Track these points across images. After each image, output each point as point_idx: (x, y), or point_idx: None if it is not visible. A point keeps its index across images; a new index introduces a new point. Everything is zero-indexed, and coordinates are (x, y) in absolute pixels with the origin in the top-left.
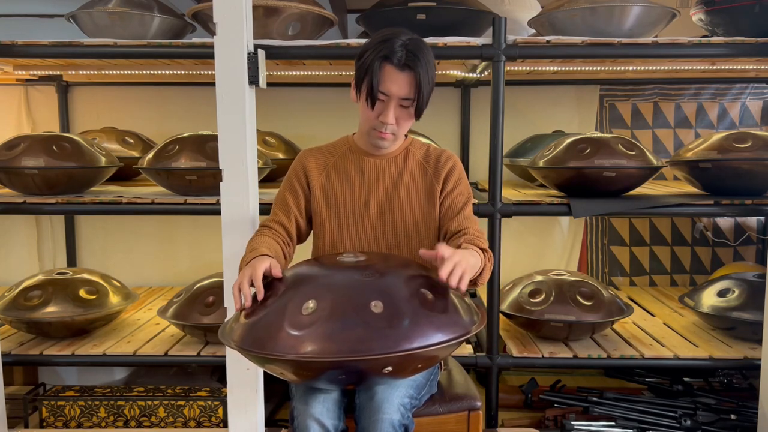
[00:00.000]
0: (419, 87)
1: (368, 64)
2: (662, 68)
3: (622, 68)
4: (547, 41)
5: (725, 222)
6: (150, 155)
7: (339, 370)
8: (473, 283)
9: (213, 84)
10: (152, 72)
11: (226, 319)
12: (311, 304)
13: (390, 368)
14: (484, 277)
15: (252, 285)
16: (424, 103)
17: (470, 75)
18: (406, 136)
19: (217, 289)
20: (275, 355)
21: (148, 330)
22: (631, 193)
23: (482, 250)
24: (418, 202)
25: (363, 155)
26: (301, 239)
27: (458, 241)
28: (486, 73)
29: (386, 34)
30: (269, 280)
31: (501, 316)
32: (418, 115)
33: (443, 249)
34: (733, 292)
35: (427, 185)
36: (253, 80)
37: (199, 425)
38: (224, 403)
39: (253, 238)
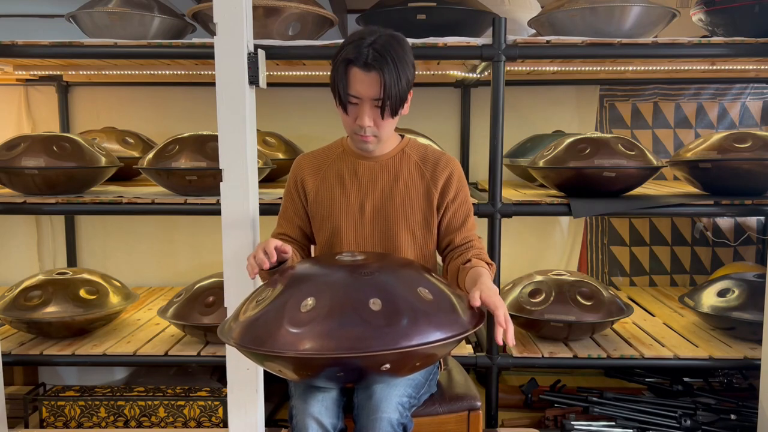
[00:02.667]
0: (385, 85)
1: (336, 68)
2: (662, 68)
3: (622, 68)
4: (547, 41)
5: (725, 222)
6: (150, 155)
7: (338, 367)
8: None
9: (213, 84)
10: (152, 72)
11: (225, 319)
12: (310, 301)
13: (388, 366)
14: None
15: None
16: (397, 101)
17: (470, 75)
18: (402, 136)
19: (217, 289)
20: (274, 352)
21: (148, 330)
22: (631, 193)
23: (489, 264)
24: (415, 205)
25: (357, 158)
26: (312, 241)
27: (466, 256)
28: (486, 73)
29: (356, 35)
30: (280, 267)
31: None
32: (393, 113)
33: (495, 299)
34: (733, 292)
35: (424, 189)
36: (253, 80)
37: (199, 425)
38: (224, 403)
39: None
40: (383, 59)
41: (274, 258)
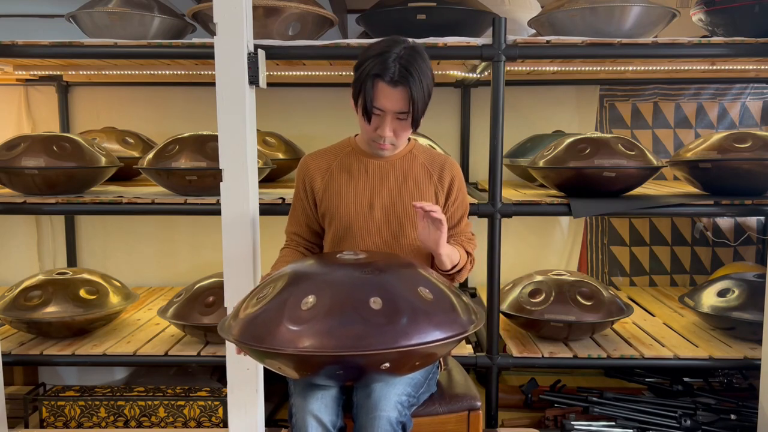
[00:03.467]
0: (413, 101)
1: (362, 80)
2: (662, 68)
3: (622, 68)
4: (547, 41)
5: (725, 222)
6: (150, 155)
7: (337, 365)
8: (451, 277)
9: (213, 84)
10: (152, 72)
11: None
12: (311, 299)
13: (388, 364)
14: (462, 275)
15: None
16: (420, 114)
17: (470, 75)
18: (408, 139)
19: (217, 289)
20: (274, 349)
21: (148, 330)
22: (631, 193)
23: (468, 252)
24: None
25: (367, 157)
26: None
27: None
28: (486, 73)
29: (382, 47)
30: None
31: (501, 316)
32: (415, 126)
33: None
34: (733, 292)
35: (432, 189)
36: (253, 80)
37: (199, 425)
38: (224, 403)
39: (279, 255)
40: (410, 75)
41: None
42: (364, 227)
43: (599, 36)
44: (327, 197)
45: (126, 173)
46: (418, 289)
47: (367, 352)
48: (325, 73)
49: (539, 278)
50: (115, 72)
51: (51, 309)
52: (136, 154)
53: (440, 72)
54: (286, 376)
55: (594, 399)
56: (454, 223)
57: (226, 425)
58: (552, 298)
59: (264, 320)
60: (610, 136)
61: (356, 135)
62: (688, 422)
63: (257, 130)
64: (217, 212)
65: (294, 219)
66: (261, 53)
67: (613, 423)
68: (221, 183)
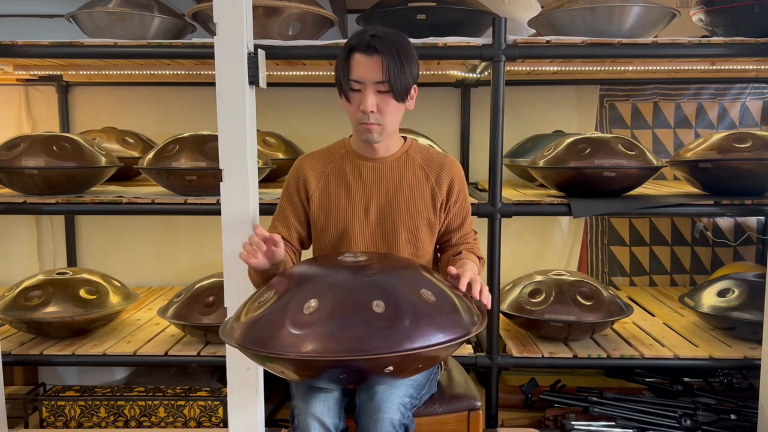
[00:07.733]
0: (387, 67)
1: (340, 60)
2: (662, 68)
3: (622, 68)
4: (547, 41)
5: (725, 222)
6: (150, 155)
7: (340, 369)
8: None
9: (213, 84)
10: (152, 72)
11: (226, 318)
12: (313, 303)
13: (391, 368)
14: None
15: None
16: (401, 87)
17: (470, 75)
18: (405, 138)
19: (217, 289)
20: (276, 353)
21: (148, 330)
22: (631, 193)
23: (479, 258)
24: (419, 208)
25: (361, 159)
26: (304, 246)
27: (458, 249)
28: (486, 73)
29: (359, 30)
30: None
31: (501, 316)
32: (396, 97)
33: (465, 272)
34: (733, 292)
35: (429, 192)
36: (253, 80)
37: (199, 425)
38: (224, 403)
39: None
40: (384, 43)
41: (263, 248)
42: (360, 232)
43: (599, 36)
44: (322, 202)
45: (126, 173)
46: (420, 291)
47: (370, 356)
48: (325, 73)
49: (539, 278)
50: (115, 72)
51: (51, 309)
52: (136, 154)
53: (440, 72)
54: (287, 379)
55: (594, 399)
56: (457, 226)
57: (226, 425)
58: (552, 298)
59: (266, 324)
60: (610, 136)
61: (350, 136)
62: (688, 422)
63: (257, 130)
64: (217, 212)
65: (281, 223)
66: (261, 53)
67: (613, 423)
68: (221, 183)
